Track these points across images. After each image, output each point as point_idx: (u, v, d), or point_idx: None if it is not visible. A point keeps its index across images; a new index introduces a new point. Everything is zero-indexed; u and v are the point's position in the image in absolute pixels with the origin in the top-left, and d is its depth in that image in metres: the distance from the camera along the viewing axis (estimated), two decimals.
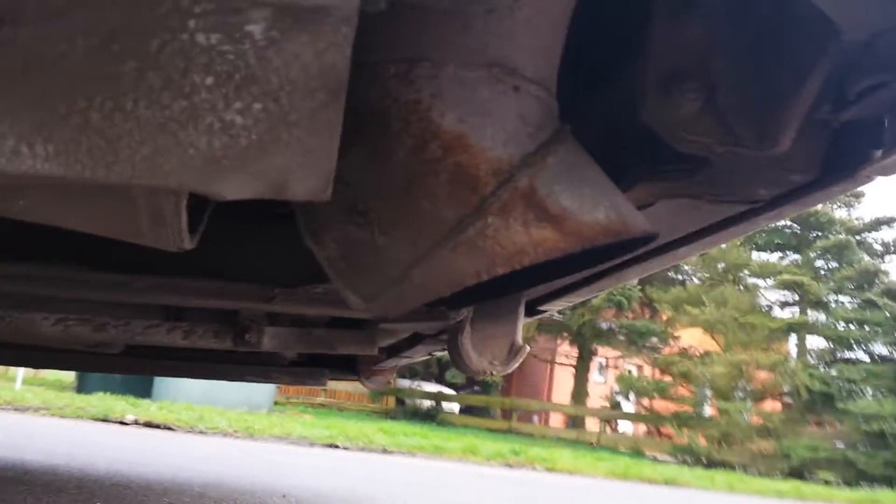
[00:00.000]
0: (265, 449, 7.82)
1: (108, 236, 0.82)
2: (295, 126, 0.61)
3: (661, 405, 20.16)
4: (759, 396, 19.72)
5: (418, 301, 0.85)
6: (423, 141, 0.78)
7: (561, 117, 0.87)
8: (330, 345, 1.88)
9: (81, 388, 11.58)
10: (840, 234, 19.88)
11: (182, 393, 11.60)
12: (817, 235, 20.33)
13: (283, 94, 0.59)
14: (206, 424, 8.97)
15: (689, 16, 0.90)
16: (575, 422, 20.43)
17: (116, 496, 3.48)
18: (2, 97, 0.59)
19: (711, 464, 16.77)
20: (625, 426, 23.26)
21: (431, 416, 18.73)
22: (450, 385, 21.27)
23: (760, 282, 21.03)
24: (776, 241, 21.02)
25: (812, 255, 20.37)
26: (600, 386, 23.15)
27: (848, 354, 20.06)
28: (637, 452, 17.98)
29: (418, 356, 2.77)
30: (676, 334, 20.62)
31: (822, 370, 19.47)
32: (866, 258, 20.22)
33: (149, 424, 8.54)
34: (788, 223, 20.54)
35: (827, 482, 15.98)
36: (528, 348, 1.72)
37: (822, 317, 20.34)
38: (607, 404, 21.17)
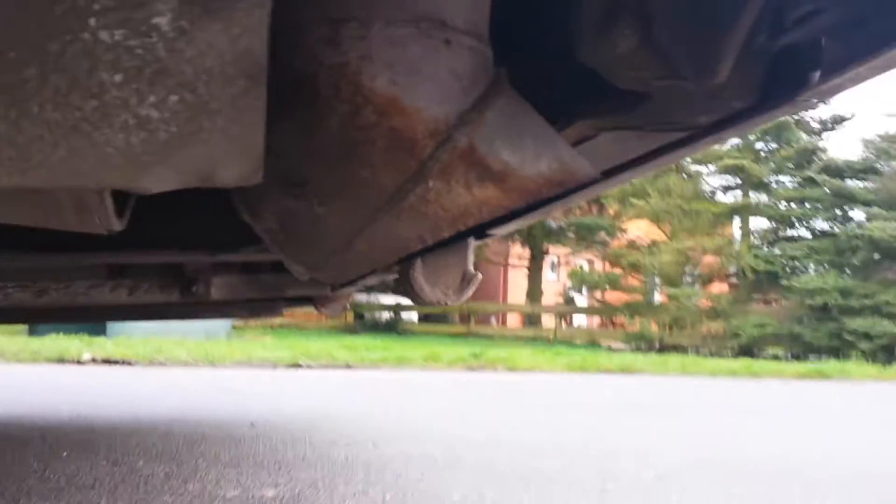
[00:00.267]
0: (228, 375, 7.84)
1: (37, 226, 0.79)
2: (216, 115, 0.58)
3: (612, 296, 20.63)
4: (706, 280, 20.25)
5: (363, 269, 0.83)
6: (355, 107, 0.74)
7: (496, 62, 0.84)
8: (280, 289, 1.86)
9: (33, 331, 11.41)
10: None
11: (137, 327, 11.49)
12: None
13: (199, 83, 0.56)
14: (165, 356, 8.95)
15: None
16: (531, 320, 20.82)
17: (83, 442, 3.47)
18: None
19: (664, 348, 17.32)
20: (579, 319, 23.79)
21: (392, 328, 18.93)
22: None
23: (703, 168, 21.31)
24: None
25: (752, 137, 20.62)
26: (554, 284, 23.53)
27: (790, 233, 20.59)
28: (592, 344, 18.46)
29: (372, 283, 2.77)
30: (624, 227, 20.93)
31: (765, 250, 20.01)
32: (805, 137, 20.54)
33: (107, 361, 8.49)
34: None
35: (776, 357, 16.65)
36: (480, 276, 1.72)
37: (763, 198, 20.77)
38: (561, 300, 21.58)
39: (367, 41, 0.74)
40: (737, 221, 21.02)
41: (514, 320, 23.45)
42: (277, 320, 18.98)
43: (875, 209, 18.33)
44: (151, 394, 5.78)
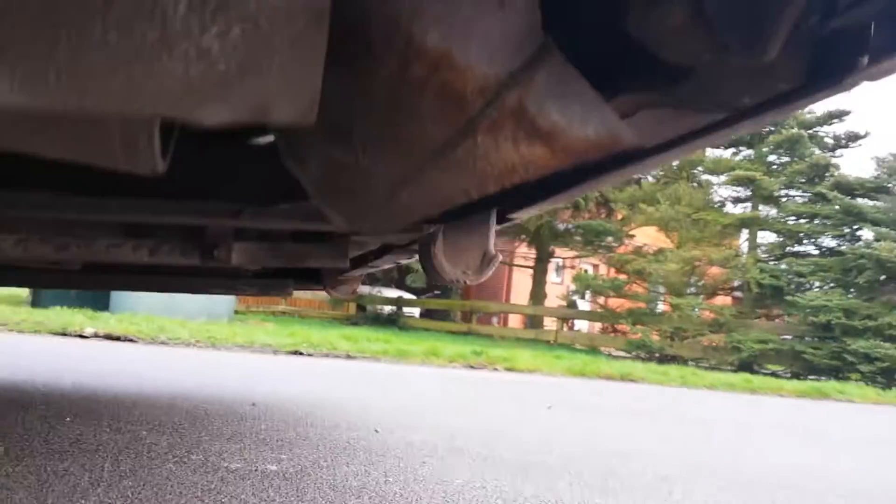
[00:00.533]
0: (229, 358, 7.86)
1: (80, 161, 0.79)
2: (276, 51, 0.58)
3: (616, 303, 20.58)
4: (710, 291, 20.18)
5: (406, 221, 0.83)
6: (405, 60, 0.74)
7: (543, 29, 0.83)
8: (301, 258, 1.86)
9: (37, 302, 11.46)
10: (793, 128, 20.01)
11: (141, 304, 11.53)
12: (770, 130, 20.45)
13: (262, 18, 0.56)
14: (168, 335, 8.97)
15: None
16: (533, 322, 20.80)
17: (86, 410, 3.48)
18: None
19: (664, 358, 17.27)
20: (581, 324, 23.76)
21: (393, 321, 18.93)
22: (410, 290, 21.45)
23: (714, 178, 21.24)
24: (730, 137, 21.09)
25: (765, 150, 20.52)
26: (557, 286, 23.50)
27: (798, 248, 20.51)
28: (593, 349, 18.44)
29: (385, 265, 2.76)
30: (631, 233, 20.87)
31: (772, 264, 19.92)
32: (818, 152, 20.45)
33: (109, 337, 8.51)
34: None
35: (775, 374, 16.59)
36: (500, 256, 1.72)
37: (773, 211, 20.68)
38: (564, 304, 21.54)
39: None
40: (744, 234, 20.95)
41: (515, 321, 23.43)
42: (280, 307, 19.03)
43: (884, 229, 18.24)
44: (154, 370, 5.79)
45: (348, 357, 9.78)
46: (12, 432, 2.83)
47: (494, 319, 23.33)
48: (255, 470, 2.61)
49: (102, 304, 11.17)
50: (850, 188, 19.42)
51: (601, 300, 20.93)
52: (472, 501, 2.53)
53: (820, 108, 22.54)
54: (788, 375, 16.57)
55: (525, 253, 22.35)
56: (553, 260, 22.41)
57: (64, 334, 8.42)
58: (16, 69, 0.56)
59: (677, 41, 0.88)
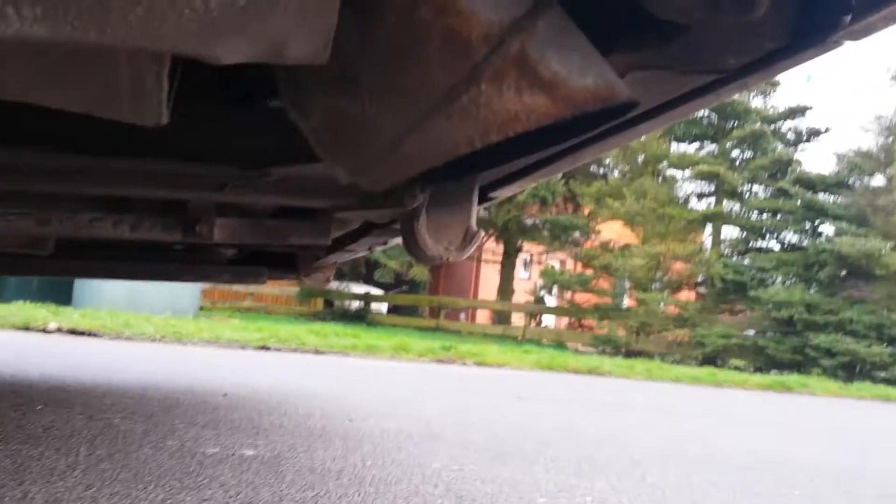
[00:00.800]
0: (197, 352, 7.80)
1: (86, 111, 0.79)
2: None
3: (582, 298, 20.73)
4: (675, 287, 20.37)
5: (409, 172, 0.84)
6: (413, 3, 0.75)
7: None
8: (283, 235, 1.85)
9: None
10: (756, 123, 20.28)
11: (104, 299, 11.38)
12: (734, 125, 20.71)
13: None
14: (133, 330, 8.87)
15: None
16: (501, 317, 20.86)
17: (56, 399, 3.44)
18: None
19: (630, 353, 17.40)
20: (548, 319, 23.88)
21: (361, 317, 18.87)
22: (378, 285, 21.41)
23: (678, 173, 21.45)
24: (694, 132, 21.33)
25: (728, 144, 20.77)
26: (525, 282, 23.60)
27: (760, 243, 20.78)
28: (560, 344, 18.54)
29: (361, 249, 2.77)
30: (598, 228, 21.01)
31: (735, 259, 20.17)
32: (780, 147, 20.74)
33: (73, 332, 8.40)
34: (706, 113, 20.81)
35: (738, 368, 16.79)
36: (482, 233, 1.74)
37: (736, 207, 20.93)
38: (532, 299, 21.64)
39: None
40: (709, 229, 21.19)
41: (483, 317, 23.48)
42: (245, 303, 18.87)
43: (844, 224, 18.55)
44: (121, 363, 5.73)
45: (317, 352, 9.75)
46: None
47: (462, 315, 23.36)
48: (233, 455, 2.60)
49: (65, 299, 11.01)
50: (811, 184, 19.72)
51: (568, 295, 21.05)
52: (451, 482, 2.55)
53: (781, 103, 22.85)
54: (752, 370, 16.79)
55: (493, 248, 22.39)
56: (521, 255, 22.49)
57: (27, 329, 8.29)
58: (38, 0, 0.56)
59: None
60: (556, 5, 0.81)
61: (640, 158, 20.84)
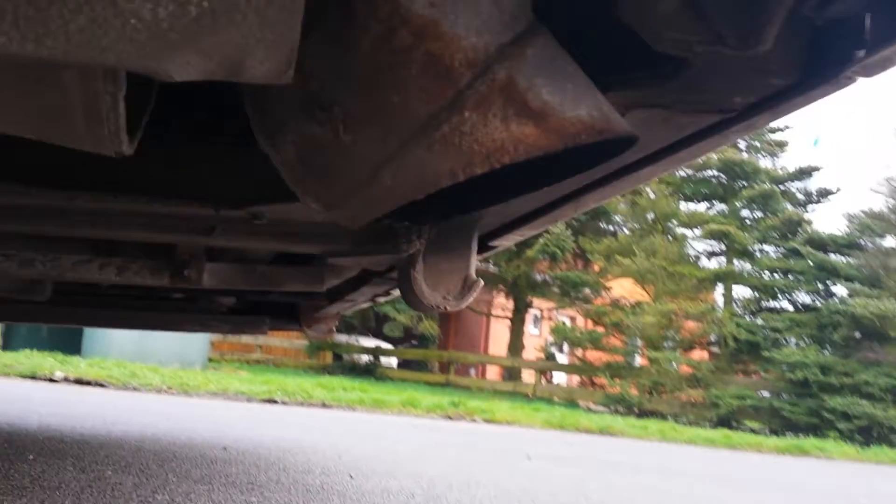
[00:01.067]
0: (202, 405, 7.70)
1: (41, 139, 0.74)
2: None
3: (593, 355, 20.50)
4: (687, 345, 20.15)
5: (387, 206, 0.78)
6: (391, 27, 0.70)
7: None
8: (275, 282, 1.80)
9: (7, 345, 11.23)
10: (765, 183, 20.27)
11: (113, 349, 11.33)
12: (743, 185, 20.71)
13: None
14: (140, 381, 8.80)
15: None
16: (511, 374, 20.63)
17: (50, 450, 3.36)
18: None
19: (643, 413, 17.14)
20: (559, 377, 23.62)
21: (370, 371, 18.70)
22: (387, 339, 21.27)
23: (688, 231, 21.38)
24: (703, 191, 21.37)
25: (738, 204, 20.73)
26: (535, 338, 23.40)
27: (772, 303, 20.59)
28: (572, 402, 18.29)
29: (362, 300, 2.71)
30: (608, 285, 20.87)
31: (747, 319, 19.95)
32: (790, 207, 20.68)
33: (79, 381, 8.34)
34: (715, 173, 20.88)
35: (753, 430, 16.50)
36: (482, 282, 1.68)
37: (747, 266, 20.80)
38: (542, 356, 21.42)
39: None
40: (720, 288, 21.03)
41: (493, 373, 23.25)
42: (254, 355, 18.75)
43: (857, 285, 18.37)
44: (123, 413, 5.64)
45: (323, 406, 9.63)
46: None
47: (472, 371, 23.14)
48: None
49: (74, 348, 10.97)
50: (822, 244, 19.60)
51: (579, 353, 20.84)
52: None
53: (791, 163, 22.87)
54: (767, 433, 16.49)
55: (503, 304, 22.26)
56: (531, 311, 22.35)
57: (34, 378, 8.24)
58: None
59: (669, 29, 0.85)
60: (547, 33, 0.77)
61: (650, 216, 20.82)
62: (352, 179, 0.78)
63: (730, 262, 20.68)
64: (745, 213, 21.02)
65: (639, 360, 20.44)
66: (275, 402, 9.24)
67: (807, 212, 21.14)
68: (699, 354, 20.66)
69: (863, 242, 19.68)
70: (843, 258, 19.52)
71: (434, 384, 18.21)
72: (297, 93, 0.74)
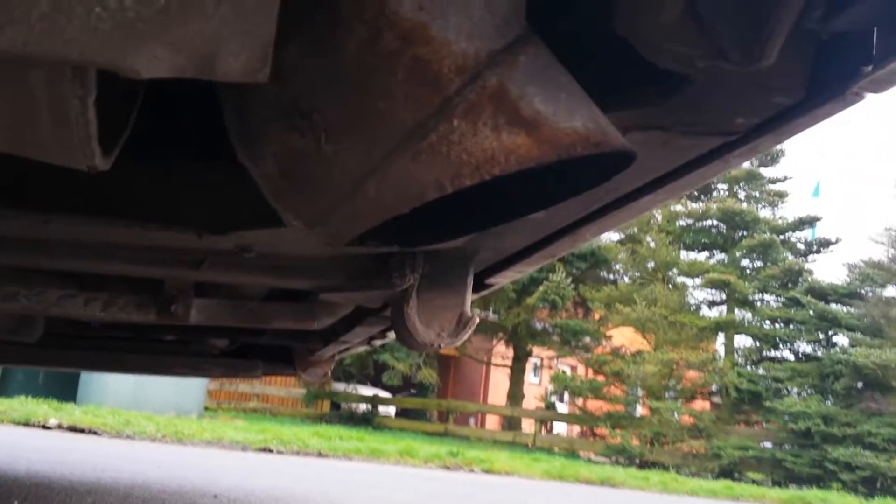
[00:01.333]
0: (196, 453, 7.58)
1: (8, 150, 0.70)
2: None
3: (594, 405, 20.28)
4: (689, 395, 19.97)
5: (371, 221, 0.74)
6: (376, 30, 0.67)
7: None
8: (265, 318, 1.75)
9: (2, 391, 11.12)
10: (764, 233, 20.29)
11: (109, 397, 11.21)
12: (743, 235, 20.74)
13: None
14: (134, 429, 8.67)
15: None
16: (511, 423, 20.41)
17: (36, 496, 3.27)
18: None
19: (644, 464, 16.93)
20: (559, 427, 23.35)
21: (367, 420, 18.50)
22: (386, 388, 21.08)
23: (689, 280, 21.34)
24: (703, 241, 21.41)
25: (738, 254, 20.74)
26: (535, 387, 23.20)
27: (774, 353, 20.46)
28: (572, 453, 18.06)
29: (357, 341, 2.65)
30: (609, 333, 20.76)
31: (749, 369, 19.81)
32: (790, 257, 20.67)
33: (73, 429, 8.22)
34: (715, 222, 20.93)
35: (756, 481, 16.28)
36: (477, 319, 1.63)
37: (748, 315, 20.72)
38: (542, 405, 21.20)
39: None
40: (721, 337, 20.92)
41: (492, 422, 23.00)
42: (250, 404, 18.57)
43: (859, 335, 18.28)
44: (114, 461, 5.54)
45: (320, 455, 9.48)
46: None
47: (471, 420, 22.89)
48: None
49: (69, 395, 10.86)
50: (823, 293, 19.55)
51: (579, 402, 20.63)
52: None
53: (791, 213, 22.90)
54: (770, 483, 16.26)
55: (503, 352, 22.11)
56: (531, 360, 22.18)
57: (27, 424, 8.13)
58: None
59: (669, 42, 0.82)
60: (541, 41, 0.74)
61: (650, 265, 20.81)
62: (334, 192, 0.74)
63: (730, 311, 20.61)
64: (745, 262, 21.02)
65: (640, 410, 20.24)
66: (270, 451, 9.10)
67: (807, 261, 21.12)
68: (700, 404, 20.46)
69: (864, 292, 19.63)
70: (844, 308, 19.45)
71: (432, 433, 18.00)
72: (277, 100, 0.71)
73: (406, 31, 0.67)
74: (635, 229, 20.82)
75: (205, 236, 1.15)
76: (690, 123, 0.96)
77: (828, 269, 31.33)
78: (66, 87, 0.61)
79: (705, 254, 21.97)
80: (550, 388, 21.37)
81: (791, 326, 19.81)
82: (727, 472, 16.96)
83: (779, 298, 20.34)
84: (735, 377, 18.74)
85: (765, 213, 21.51)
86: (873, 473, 15.87)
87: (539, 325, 20.82)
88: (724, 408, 19.39)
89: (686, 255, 21.75)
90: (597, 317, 20.95)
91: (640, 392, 20.17)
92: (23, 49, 0.52)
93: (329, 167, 0.73)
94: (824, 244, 21.30)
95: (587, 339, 20.52)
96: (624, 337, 20.88)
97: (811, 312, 19.21)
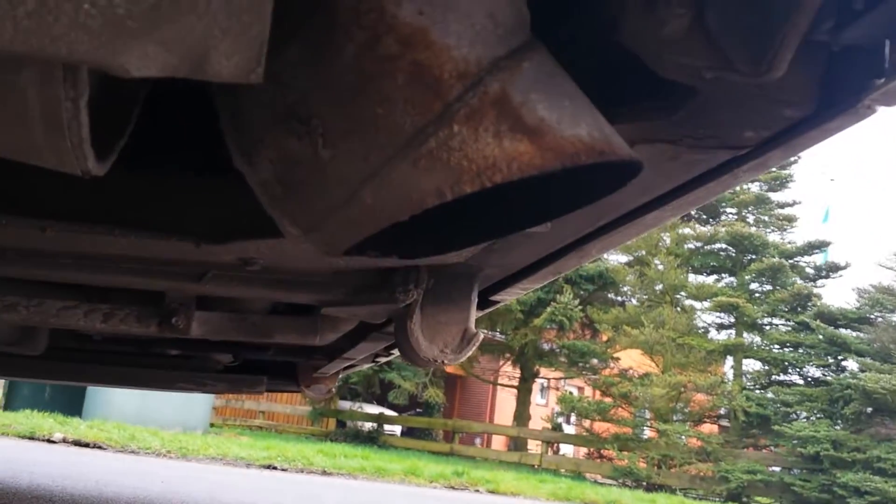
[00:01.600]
0: (200, 469, 7.55)
1: (1, 155, 0.69)
2: None
3: (601, 427, 20.16)
4: (697, 418, 19.86)
5: (368, 229, 0.72)
6: (376, 34, 0.66)
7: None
8: (267, 332, 1.73)
9: (8, 405, 11.12)
10: (773, 257, 20.22)
11: (115, 412, 11.20)
12: (752, 258, 20.67)
13: None
14: (139, 444, 8.65)
15: None
16: (517, 444, 20.30)
17: None
18: None
19: (651, 487, 16.81)
20: (566, 448, 23.21)
21: (373, 439, 18.42)
22: (392, 407, 21.02)
23: (697, 303, 21.25)
24: (712, 264, 21.35)
25: (747, 277, 20.66)
26: (542, 408, 23.09)
27: (783, 377, 20.34)
28: (578, 475, 17.94)
29: (361, 357, 2.63)
30: (616, 355, 20.67)
31: (758, 392, 19.70)
32: (799, 281, 20.58)
33: (78, 443, 8.20)
34: (724, 246, 20.88)
35: None
36: (481, 336, 1.61)
37: (757, 339, 20.62)
38: (549, 426, 21.10)
39: None
40: (729, 360, 20.81)
41: (499, 442, 22.87)
42: (256, 421, 18.53)
43: (868, 360, 18.16)
44: (117, 475, 5.51)
45: (324, 473, 9.43)
46: None
47: (478, 440, 22.78)
48: None
49: (75, 410, 10.85)
50: (832, 318, 19.44)
51: (586, 423, 20.51)
52: None
53: (800, 237, 22.82)
54: None
55: (509, 372, 22.03)
56: (538, 380, 22.09)
57: (32, 438, 8.11)
58: None
59: (676, 53, 0.80)
60: (545, 50, 0.72)
61: (659, 287, 20.73)
62: (331, 198, 0.73)
63: (739, 334, 20.51)
64: (754, 286, 20.94)
65: (647, 433, 20.11)
66: (274, 468, 9.06)
67: (816, 286, 21.02)
68: (709, 427, 20.33)
69: (873, 317, 19.51)
70: (853, 333, 19.33)
71: (438, 453, 17.91)
72: (274, 105, 0.70)
73: (405, 35, 0.65)
74: (643, 252, 20.79)
75: (204, 247, 1.14)
76: (698, 137, 0.95)
77: (837, 294, 31.24)
78: (57, 89, 0.59)
79: (714, 277, 21.91)
80: (557, 409, 21.27)
81: (800, 350, 19.70)
82: (735, 496, 16.82)
83: (788, 322, 20.24)
84: (743, 401, 18.62)
85: (774, 237, 21.46)
86: (883, 499, 15.73)
87: (546, 346, 20.75)
88: (733, 431, 19.27)
89: (694, 279, 21.68)
90: (604, 338, 20.85)
91: (648, 414, 20.05)
92: (9, 46, 0.50)
93: (327, 173, 0.72)
94: (834, 269, 21.20)
95: (594, 361, 20.44)
96: (632, 359, 20.79)
97: (820, 337, 19.10)
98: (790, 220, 21.75)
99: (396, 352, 2.62)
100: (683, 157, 1.00)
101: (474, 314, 1.60)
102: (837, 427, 17.82)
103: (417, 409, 22.03)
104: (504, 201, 0.85)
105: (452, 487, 10.11)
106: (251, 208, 0.92)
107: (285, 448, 10.99)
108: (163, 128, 1.02)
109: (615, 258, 21.80)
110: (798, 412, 18.80)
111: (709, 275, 21.98)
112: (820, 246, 21.11)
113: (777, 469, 18.02)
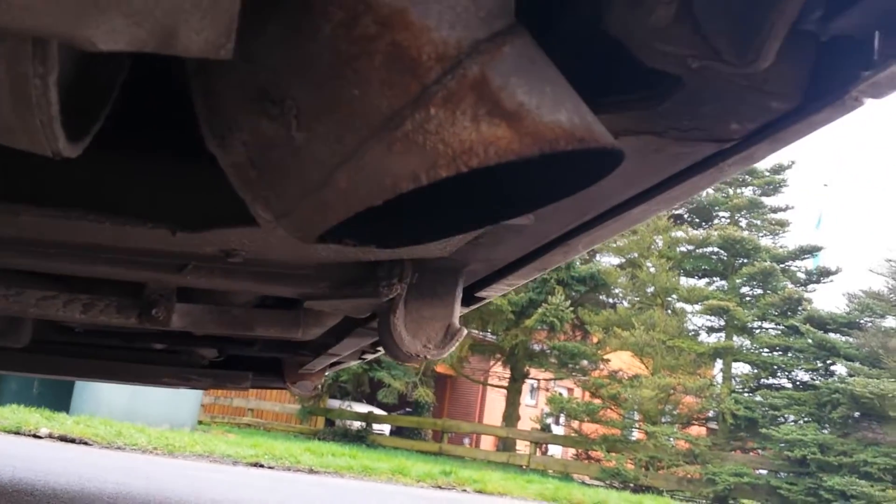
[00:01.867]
0: (186, 466, 7.52)
1: None
2: None
3: (589, 428, 20.19)
4: (685, 420, 19.92)
5: (341, 213, 0.71)
6: (353, 14, 0.64)
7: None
8: (249, 325, 1.72)
9: None
10: (765, 261, 20.28)
11: (102, 408, 11.15)
12: (743, 262, 20.73)
13: None
14: (125, 440, 8.61)
15: None
16: (506, 444, 20.30)
17: (17, 502, 3.23)
18: None
19: (639, 488, 16.84)
20: (555, 450, 23.22)
21: (361, 438, 18.39)
22: (381, 406, 20.98)
23: (688, 306, 21.29)
24: (703, 267, 21.41)
25: (738, 281, 20.72)
26: (531, 409, 23.10)
27: (771, 380, 20.42)
28: (566, 476, 17.95)
29: (347, 353, 2.61)
30: (606, 357, 20.69)
31: (746, 395, 19.76)
32: (790, 286, 20.65)
33: (64, 438, 8.15)
34: (716, 249, 20.93)
35: None
36: (465, 331, 1.60)
37: (746, 342, 20.68)
38: (538, 426, 21.11)
39: None
40: (719, 363, 20.86)
41: (487, 443, 22.87)
42: (244, 418, 18.46)
43: (857, 365, 18.23)
44: (101, 471, 5.48)
45: (311, 471, 9.40)
46: None
47: (466, 440, 22.77)
48: None
49: (63, 405, 10.79)
50: (822, 322, 19.51)
51: (575, 424, 20.53)
52: None
53: (792, 242, 22.88)
54: None
55: (499, 372, 22.02)
56: (528, 381, 22.08)
57: (17, 433, 8.06)
58: None
59: (662, 42, 0.79)
60: (528, 35, 0.71)
61: (650, 290, 20.77)
62: (305, 181, 0.71)
63: (729, 337, 20.58)
64: (745, 289, 21.01)
65: (636, 434, 20.14)
66: (261, 465, 9.02)
67: (807, 290, 21.08)
68: (697, 430, 20.38)
69: (863, 322, 19.59)
70: (842, 337, 19.41)
71: (427, 452, 17.89)
72: (247, 86, 0.68)
73: (384, 16, 0.64)
74: (636, 254, 20.84)
75: (183, 236, 1.12)
76: (684, 129, 0.93)
77: (828, 299, 31.34)
78: (26, 66, 0.58)
79: (705, 280, 21.97)
80: (546, 409, 21.28)
81: (789, 354, 19.77)
82: (722, 499, 16.88)
83: (778, 326, 20.31)
84: (732, 403, 18.69)
85: (766, 241, 21.53)
86: (868, 502, 15.81)
87: (537, 347, 20.75)
88: (721, 434, 19.33)
89: (686, 281, 21.74)
90: (595, 340, 20.87)
91: (637, 416, 20.07)
92: None
93: (300, 155, 0.70)
94: (824, 273, 21.28)
95: (584, 362, 20.45)
96: (622, 361, 20.81)
97: (810, 341, 19.17)
98: (783, 224, 21.83)
99: (382, 349, 2.60)
100: (669, 149, 0.98)
101: (458, 309, 1.59)
102: (825, 431, 17.90)
103: (407, 409, 22.00)
104: (483, 190, 0.84)
105: (439, 487, 10.10)
106: (229, 195, 0.90)
107: (273, 446, 10.96)
108: (141, 110, 1.01)
109: (607, 260, 21.86)
110: (786, 416, 18.88)
111: (700, 278, 22.05)
112: (812, 251, 21.18)
113: (764, 472, 18.09)
